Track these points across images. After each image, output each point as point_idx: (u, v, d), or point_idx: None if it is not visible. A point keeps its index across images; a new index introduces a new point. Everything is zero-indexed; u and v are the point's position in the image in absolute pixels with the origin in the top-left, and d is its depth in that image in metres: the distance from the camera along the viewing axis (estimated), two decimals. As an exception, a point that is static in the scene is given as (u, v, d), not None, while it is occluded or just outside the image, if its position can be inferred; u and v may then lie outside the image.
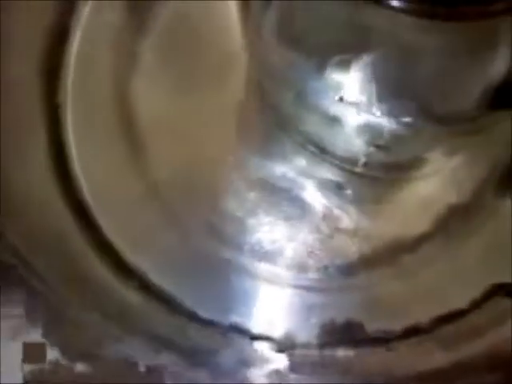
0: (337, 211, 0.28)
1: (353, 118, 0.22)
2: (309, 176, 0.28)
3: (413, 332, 0.25)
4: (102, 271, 0.26)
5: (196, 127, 0.29)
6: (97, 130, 0.29)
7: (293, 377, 0.24)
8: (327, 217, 0.28)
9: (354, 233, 0.27)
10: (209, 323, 0.26)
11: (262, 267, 0.27)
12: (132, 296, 0.26)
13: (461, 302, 0.26)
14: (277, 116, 0.28)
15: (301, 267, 0.27)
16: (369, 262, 0.27)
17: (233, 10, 0.28)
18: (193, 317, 0.26)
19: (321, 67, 0.20)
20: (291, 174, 0.28)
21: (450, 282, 0.26)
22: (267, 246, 0.28)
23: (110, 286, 0.26)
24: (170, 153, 0.29)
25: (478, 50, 0.20)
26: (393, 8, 0.16)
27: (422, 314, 0.26)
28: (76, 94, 0.29)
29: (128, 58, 0.29)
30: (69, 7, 0.29)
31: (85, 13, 0.30)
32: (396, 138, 0.23)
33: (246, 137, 0.29)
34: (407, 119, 0.21)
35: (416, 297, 0.26)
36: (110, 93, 0.29)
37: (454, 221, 0.27)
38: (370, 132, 0.23)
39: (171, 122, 0.29)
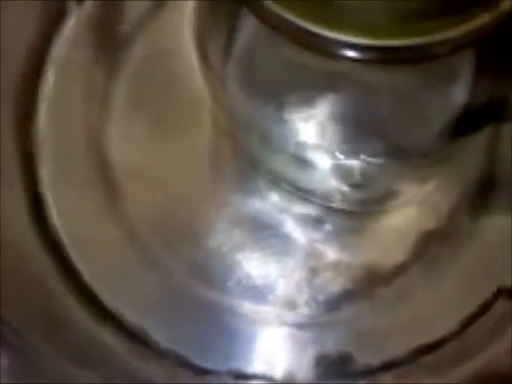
0: (318, 245, 0.28)
1: (320, 160, 0.22)
2: (287, 212, 0.29)
3: (392, 364, 0.26)
4: (82, 317, 0.26)
5: (171, 170, 0.29)
6: (72, 176, 0.29)
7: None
8: (309, 252, 0.28)
9: (335, 266, 0.28)
10: (202, 369, 0.26)
11: (250, 306, 0.28)
12: (114, 342, 0.26)
13: (442, 329, 0.26)
14: (248, 157, 0.28)
15: (289, 304, 0.28)
16: (351, 296, 0.27)
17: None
18: (184, 363, 0.27)
19: (279, 110, 0.21)
20: (269, 210, 0.29)
21: (432, 310, 0.26)
22: (252, 284, 0.28)
23: (90, 331, 0.26)
24: (147, 196, 0.29)
25: (437, 83, 0.20)
26: (345, 58, 0.17)
27: (402, 346, 0.26)
28: (49, 141, 0.29)
29: (100, 104, 0.30)
30: (40, 51, 0.30)
31: (56, 59, 0.30)
32: (367, 176, 0.23)
33: (221, 177, 0.29)
34: (372, 158, 0.21)
35: (396, 329, 0.26)
36: (83, 139, 0.29)
37: (432, 247, 0.27)
38: (340, 172, 0.24)
39: (146, 166, 0.29)
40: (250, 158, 0.28)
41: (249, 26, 0.19)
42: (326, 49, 0.16)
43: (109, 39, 0.31)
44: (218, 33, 0.21)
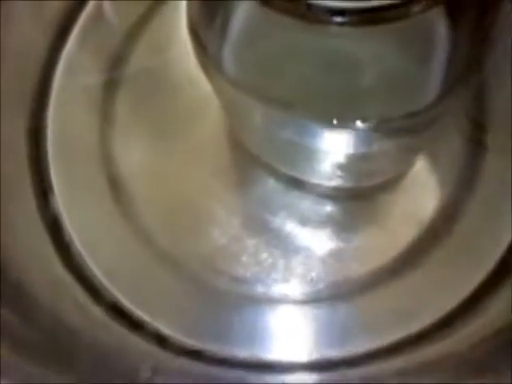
0: (315, 229, 0.29)
1: (318, 137, 0.23)
2: (288, 200, 0.30)
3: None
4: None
5: (174, 168, 0.31)
6: (80, 180, 0.31)
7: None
8: (308, 235, 0.29)
9: (335, 249, 0.29)
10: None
11: (260, 291, 0.29)
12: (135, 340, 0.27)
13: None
14: (246, 148, 0.29)
15: (291, 283, 0.29)
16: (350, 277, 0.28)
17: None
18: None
19: (276, 92, 0.22)
20: (270, 199, 0.30)
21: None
22: (258, 270, 0.29)
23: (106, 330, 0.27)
24: (153, 194, 0.30)
25: (416, 45, 0.21)
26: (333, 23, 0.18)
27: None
28: (58, 153, 0.31)
29: (103, 110, 0.32)
30: (45, 74, 0.32)
31: (59, 78, 0.32)
32: (361, 150, 0.25)
33: (221, 170, 0.31)
34: (366, 125, 0.22)
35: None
36: (91, 149, 0.31)
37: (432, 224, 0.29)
38: (337, 153, 0.25)
39: (150, 166, 0.31)
40: (249, 148, 0.29)
41: (243, 7, 0.21)
42: (315, 16, 0.18)
43: (106, 50, 0.33)
44: (213, 17, 0.22)
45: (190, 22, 0.22)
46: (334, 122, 0.21)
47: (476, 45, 0.21)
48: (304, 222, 0.30)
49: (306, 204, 0.30)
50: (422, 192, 0.30)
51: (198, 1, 0.22)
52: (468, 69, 0.21)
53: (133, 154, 0.31)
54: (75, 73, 0.32)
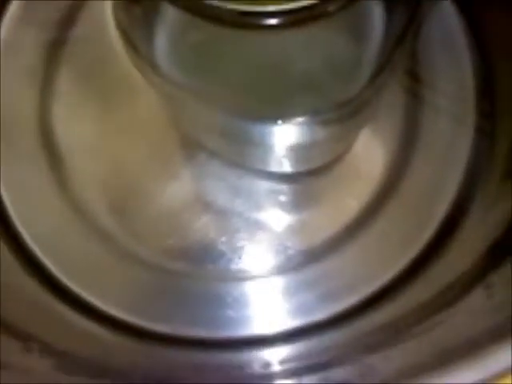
0: (263, 206, 0.30)
1: (251, 131, 0.23)
2: (226, 179, 0.30)
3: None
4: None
5: (112, 143, 0.30)
6: (19, 152, 0.30)
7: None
8: (254, 213, 0.30)
9: (287, 225, 0.29)
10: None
11: (191, 268, 0.29)
12: (74, 318, 0.27)
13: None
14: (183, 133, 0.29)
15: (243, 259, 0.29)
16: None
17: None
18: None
19: (208, 87, 0.22)
20: (206, 177, 0.30)
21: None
22: (193, 247, 0.29)
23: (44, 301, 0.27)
24: (91, 168, 0.30)
25: (349, 33, 0.21)
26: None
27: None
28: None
29: (43, 83, 0.31)
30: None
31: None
32: (300, 137, 0.24)
33: (160, 147, 0.31)
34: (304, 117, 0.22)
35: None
36: (30, 122, 0.31)
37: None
38: (278, 145, 0.25)
39: (89, 140, 0.31)
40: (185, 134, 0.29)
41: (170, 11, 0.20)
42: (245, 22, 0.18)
43: (49, 20, 0.32)
44: (141, 18, 0.21)
45: (117, 24, 0.22)
46: (260, 120, 0.21)
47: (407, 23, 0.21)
48: (250, 200, 0.30)
49: (251, 182, 0.30)
50: (367, 158, 0.30)
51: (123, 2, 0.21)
52: (396, 49, 0.21)
53: (73, 126, 0.31)
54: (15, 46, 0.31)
